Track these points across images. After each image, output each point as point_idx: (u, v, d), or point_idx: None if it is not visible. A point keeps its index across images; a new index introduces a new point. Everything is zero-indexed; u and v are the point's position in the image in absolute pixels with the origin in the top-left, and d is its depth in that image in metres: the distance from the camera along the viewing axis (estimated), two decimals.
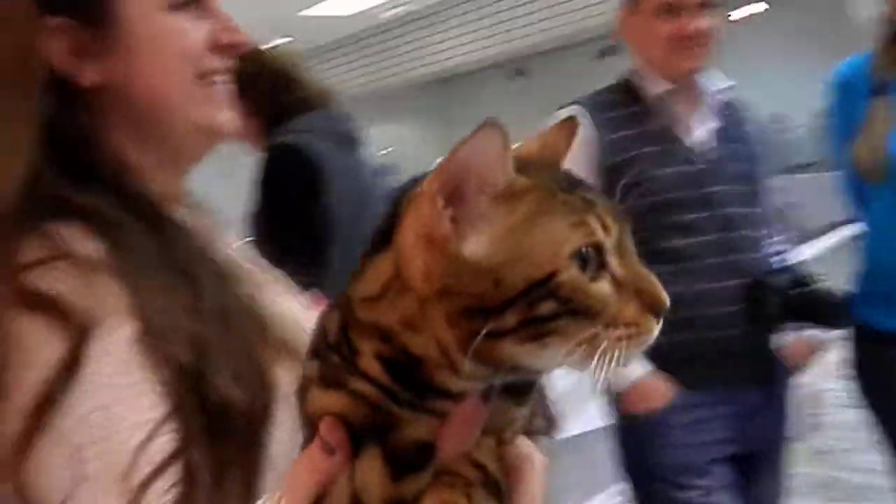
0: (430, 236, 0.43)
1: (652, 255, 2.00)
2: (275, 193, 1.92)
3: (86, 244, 0.64)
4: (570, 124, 0.53)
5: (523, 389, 0.48)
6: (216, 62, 0.77)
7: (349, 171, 2.01)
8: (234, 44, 0.78)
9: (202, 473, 0.59)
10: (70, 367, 0.59)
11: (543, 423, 0.54)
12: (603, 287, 0.44)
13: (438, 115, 8.27)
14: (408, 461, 0.46)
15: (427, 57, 7.09)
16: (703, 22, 1.77)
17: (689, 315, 1.74)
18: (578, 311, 0.42)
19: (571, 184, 0.46)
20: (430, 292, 0.43)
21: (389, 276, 0.45)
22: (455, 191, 0.43)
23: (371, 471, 0.45)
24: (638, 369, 1.75)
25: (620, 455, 1.89)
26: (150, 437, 0.59)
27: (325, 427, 0.46)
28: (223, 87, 0.79)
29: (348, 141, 2.08)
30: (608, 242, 0.44)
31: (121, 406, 0.59)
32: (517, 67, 8.34)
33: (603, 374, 0.43)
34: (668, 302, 0.45)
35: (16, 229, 0.64)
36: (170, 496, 0.57)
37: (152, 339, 0.62)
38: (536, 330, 0.42)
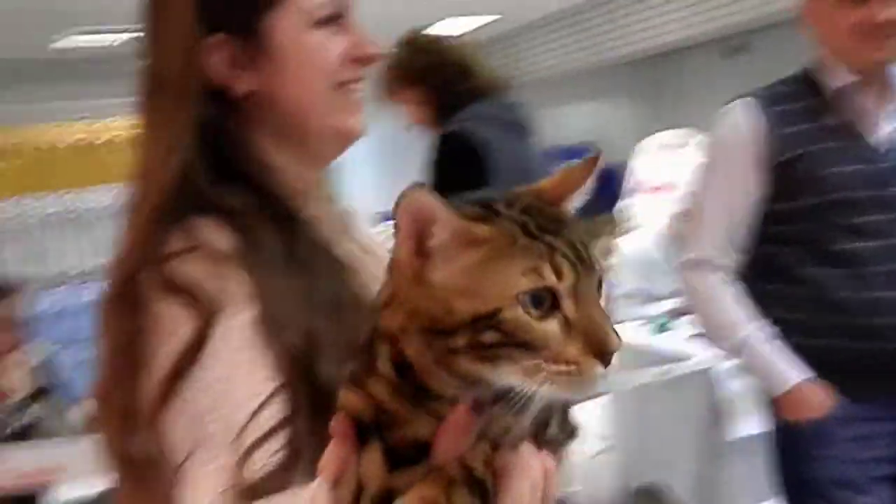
0: (409, 270, 0.50)
1: (823, 257, 1.92)
2: (441, 178, 2.03)
3: (220, 237, 0.74)
4: (590, 162, 0.57)
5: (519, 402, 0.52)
6: (351, 73, 0.85)
7: (515, 158, 2.07)
8: (368, 56, 0.86)
9: (303, 444, 0.67)
10: (197, 344, 0.70)
11: (559, 433, 0.57)
12: (550, 326, 0.48)
13: (647, 95, 8.03)
14: (406, 457, 0.52)
15: (636, 34, 6.89)
16: (895, 10, 1.63)
17: (859, 323, 1.64)
18: (521, 344, 0.48)
19: (547, 229, 0.50)
20: (408, 307, 0.50)
21: (393, 286, 0.52)
22: (421, 231, 0.50)
23: (371, 462, 0.52)
24: (794, 375, 1.68)
25: (776, 465, 1.82)
26: (261, 407, 0.68)
27: (335, 423, 0.53)
28: (357, 95, 0.87)
29: (517, 129, 2.14)
30: (561, 287, 0.48)
31: (238, 378, 0.69)
32: (734, 44, 7.88)
33: (538, 402, 0.48)
34: (615, 347, 0.49)
35: (166, 221, 0.75)
36: (274, 459, 0.66)
37: (268, 324, 0.71)
38: (483, 353, 0.48)
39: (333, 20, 0.83)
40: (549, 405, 0.54)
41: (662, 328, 2.98)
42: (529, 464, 0.53)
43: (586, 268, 0.50)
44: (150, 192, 0.77)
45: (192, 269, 0.72)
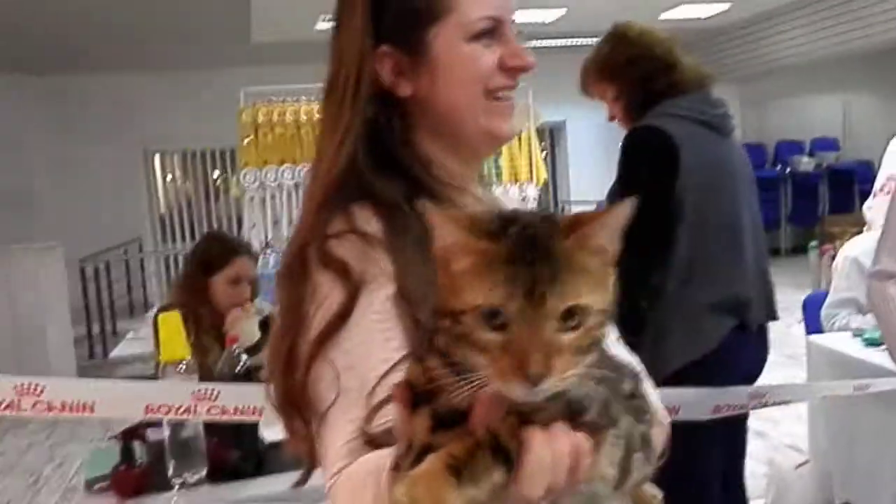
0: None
1: None
2: (630, 171, 2.06)
3: (371, 223, 0.86)
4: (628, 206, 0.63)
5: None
6: (502, 81, 0.94)
7: (708, 155, 2.05)
8: (519, 67, 0.95)
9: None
10: (344, 313, 0.83)
11: (598, 419, 0.65)
12: (493, 338, 0.59)
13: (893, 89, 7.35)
14: (448, 421, 0.62)
15: (879, 24, 6.33)
16: None
17: None
18: (471, 343, 0.59)
19: (527, 260, 0.58)
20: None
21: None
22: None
23: (420, 423, 0.63)
24: None
25: None
26: (391, 370, 0.79)
27: (395, 389, 0.65)
28: (507, 101, 0.96)
29: (713, 126, 2.11)
30: (511, 309, 0.58)
31: (374, 345, 0.80)
32: None
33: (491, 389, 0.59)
34: (538, 374, 0.57)
35: (332, 205, 0.89)
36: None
37: (404, 300, 0.83)
38: (457, 341, 0.60)
39: (487, 34, 0.92)
40: (586, 394, 0.63)
41: (871, 342, 2.79)
42: (556, 439, 0.61)
43: (538, 302, 0.58)
44: (322, 178, 0.91)
45: (346, 249, 0.85)
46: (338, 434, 0.80)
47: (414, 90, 0.94)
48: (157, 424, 1.97)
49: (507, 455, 0.60)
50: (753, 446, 4.22)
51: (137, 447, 2.01)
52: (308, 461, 0.89)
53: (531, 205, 6.00)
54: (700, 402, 2.01)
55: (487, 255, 0.59)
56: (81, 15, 6.22)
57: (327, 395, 0.82)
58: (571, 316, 0.59)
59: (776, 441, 4.44)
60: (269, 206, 5.35)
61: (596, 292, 0.60)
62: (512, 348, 0.58)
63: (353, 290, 0.83)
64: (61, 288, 6.72)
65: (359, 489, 0.72)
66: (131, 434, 2.03)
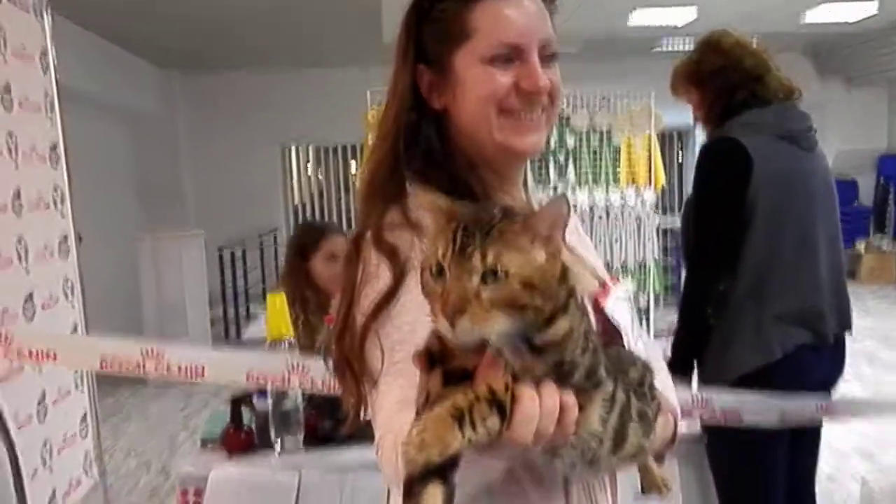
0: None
1: None
2: (704, 180, 2.13)
3: (424, 217, 0.91)
4: (563, 202, 0.77)
5: (538, 349, 0.76)
6: (516, 102, 1.02)
7: (783, 168, 2.10)
8: (530, 90, 1.02)
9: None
10: (392, 292, 0.94)
11: (584, 381, 0.79)
12: (434, 285, 0.75)
13: None
14: (457, 379, 0.77)
15: None
16: None
17: None
18: (427, 294, 0.77)
19: (477, 225, 0.74)
20: None
21: None
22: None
23: (434, 381, 0.78)
24: None
25: None
26: None
27: (415, 354, 0.80)
28: (525, 119, 1.04)
29: (795, 140, 2.14)
30: (445, 263, 0.74)
31: (420, 323, 0.86)
32: None
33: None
34: (454, 315, 0.72)
35: (382, 197, 1.01)
36: None
37: None
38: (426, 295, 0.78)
39: (502, 59, 1.01)
40: (572, 360, 0.78)
41: None
42: (544, 395, 0.74)
43: (463, 258, 0.73)
44: (366, 176, 1.05)
45: (397, 238, 0.96)
46: (386, 399, 0.93)
47: (444, 104, 1.05)
48: (263, 394, 2.23)
49: (501, 407, 0.73)
50: (860, 466, 4.14)
51: (245, 412, 2.28)
52: (356, 414, 1.03)
53: (648, 209, 5.98)
54: (765, 410, 2.06)
55: (446, 227, 0.76)
56: (225, 15, 6.70)
57: (379, 364, 0.95)
58: (494, 276, 0.73)
59: (880, 464, 4.31)
60: None
61: (520, 263, 0.74)
62: (443, 294, 0.74)
63: (400, 273, 0.94)
64: (201, 272, 7.27)
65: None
66: (240, 401, 2.29)
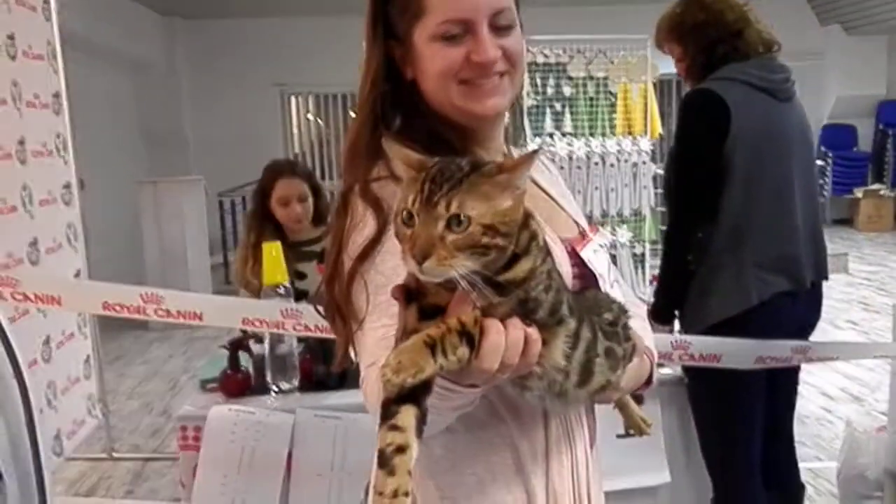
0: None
1: None
2: (684, 131, 2.19)
3: (401, 169, 1.00)
4: (532, 154, 0.85)
5: (501, 287, 0.83)
6: (470, 73, 1.08)
7: (760, 118, 2.15)
8: (479, 63, 1.07)
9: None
10: (377, 238, 1.01)
11: (548, 318, 0.87)
12: (404, 230, 0.82)
13: None
14: (431, 314, 0.84)
15: None
16: None
17: None
18: (400, 239, 0.83)
19: (444, 178, 0.81)
20: None
21: None
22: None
23: (410, 315, 0.86)
24: None
25: None
26: None
27: (393, 290, 0.87)
28: (484, 87, 1.09)
29: (772, 91, 2.18)
30: (414, 210, 0.81)
31: (401, 265, 0.88)
32: None
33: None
34: (422, 257, 0.79)
35: (373, 156, 1.07)
36: None
37: None
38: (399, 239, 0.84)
39: (452, 34, 1.06)
40: (538, 298, 0.86)
41: None
42: (510, 328, 0.82)
43: (430, 206, 0.80)
44: (349, 139, 1.13)
45: (381, 189, 1.04)
46: (371, 337, 1.00)
47: (413, 75, 1.12)
48: (260, 340, 2.32)
49: (471, 338, 0.81)
50: (849, 409, 4.26)
51: (242, 357, 2.37)
52: (344, 353, 1.10)
53: (644, 158, 6.01)
54: (742, 353, 2.15)
55: (416, 176, 0.83)
56: None
57: (364, 306, 1.02)
58: (458, 222, 0.79)
59: (870, 406, 4.43)
60: None
61: (482, 210, 0.80)
62: (412, 238, 0.81)
63: (384, 221, 1.01)
64: (202, 219, 7.35)
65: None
66: (238, 345, 2.37)
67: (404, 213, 0.82)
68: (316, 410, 2.19)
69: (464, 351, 0.80)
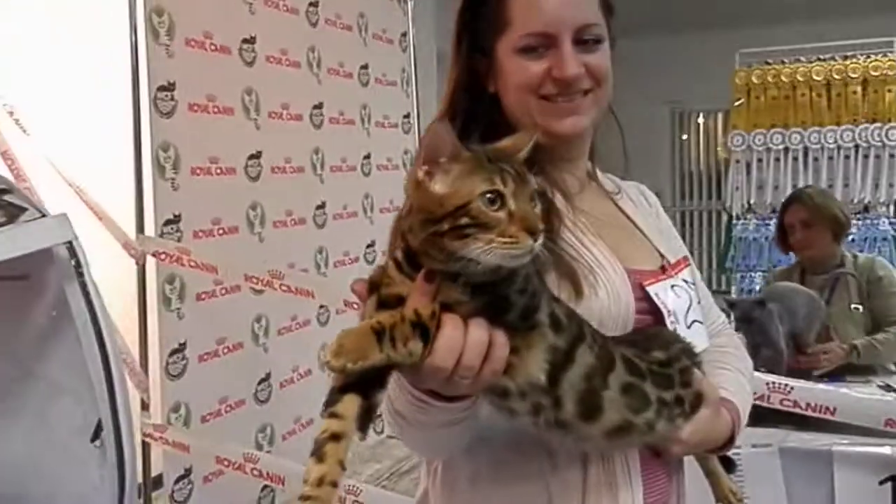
0: (417, 180, 0.78)
1: None
2: None
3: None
4: (528, 135, 0.85)
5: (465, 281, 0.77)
6: (551, 89, 1.06)
7: None
8: (559, 78, 1.05)
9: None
10: None
11: (518, 321, 0.81)
12: (499, 214, 0.74)
13: None
14: (391, 304, 0.78)
15: None
16: None
17: None
18: (482, 225, 0.74)
19: (498, 160, 0.77)
20: (415, 207, 0.79)
21: (409, 202, 0.80)
22: (429, 156, 0.77)
23: (371, 306, 0.81)
24: None
25: None
26: None
27: (355, 284, 0.82)
28: (563, 104, 1.07)
29: None
30: (506, 191, 0.75)
31: None
32: None
33: (494, 261, 0.74)
34: (540, 227, 0.74)
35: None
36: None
37: None
38: (460, 233, 0.74)
39: (534, 48, 1.05)
40: (508, 298, 0.80)
41: None
42: (472, 326, 0.77)
43: (522, 181, 0.77)
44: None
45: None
46: None
47: (496, 89, 1.11)
48: None
49: (425, 332, 0.75)
50: None
51: None
52: None
53: None
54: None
55: (472, 161, 0.77)
56: None
57: None
58: (541, 196, 0.81)
59: None
60: (755, 169, 5.36)
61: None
62: (518, 216, 0.75)
63: None
64: None
65: None
66: None
67: (487, 196, 0.75)
68: None
69: (416, 344, 0.75)
